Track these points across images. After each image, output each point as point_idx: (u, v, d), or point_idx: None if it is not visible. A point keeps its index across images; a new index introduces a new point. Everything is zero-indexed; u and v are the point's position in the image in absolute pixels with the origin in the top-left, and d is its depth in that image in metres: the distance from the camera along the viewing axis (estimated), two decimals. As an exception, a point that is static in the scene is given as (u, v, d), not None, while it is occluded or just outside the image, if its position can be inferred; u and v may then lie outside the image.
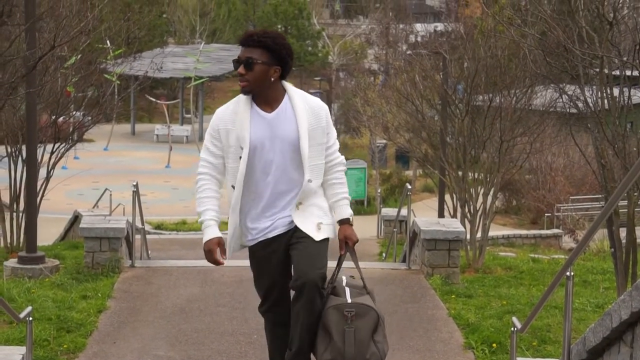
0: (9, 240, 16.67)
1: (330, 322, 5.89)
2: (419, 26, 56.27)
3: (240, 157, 5.96)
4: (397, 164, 46.35)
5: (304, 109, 5.98)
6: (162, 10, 67.34)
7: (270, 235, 6.10)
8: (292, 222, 6.06)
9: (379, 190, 33.16)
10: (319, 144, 6.02)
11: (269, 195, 6.04)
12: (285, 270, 6.16)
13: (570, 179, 34.64)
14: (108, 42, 40.76)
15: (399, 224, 17.16)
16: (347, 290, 6.05)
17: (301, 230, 6.02)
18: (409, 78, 21.39)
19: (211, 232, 5.99)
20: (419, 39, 49.28)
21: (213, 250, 5.96)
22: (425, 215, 18.95)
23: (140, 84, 39.96)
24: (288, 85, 6.06)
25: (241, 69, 5.93)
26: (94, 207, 25.46)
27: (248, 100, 6.01)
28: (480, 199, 16.18)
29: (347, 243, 6.12)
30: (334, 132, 6.16)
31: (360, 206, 37.26)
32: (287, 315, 6.12)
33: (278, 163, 6.00)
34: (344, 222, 6.14)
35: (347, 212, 6.14)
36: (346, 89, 53.90)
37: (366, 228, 25.23)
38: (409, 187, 14.66)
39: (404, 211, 15.89)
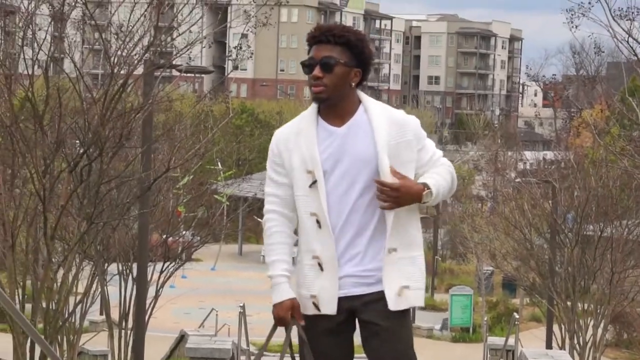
0: (116, 358, 16.83)
1: None
2: (528, 154, 56.07)
3: (313, 184, 4.72)
4: (503, 292, 45.60)
5: (383, 119, 4.76)
6: (272, 134, 68.41)
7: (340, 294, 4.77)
8: (368, 282, 4.76)
9: (485, 318, 32.64)
10: (404, 162, 4.75)
11: (337, 233, 4.75)
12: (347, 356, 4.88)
13: (683, 312, 33.60)
14: (219, 163, 41.63)
15: (506, 353, 16.83)
16: None
17: (376, 299, 4.73)
18: (518, 206, 21.26)
19: (282, 292, 4.77)
20: (528, 166, 49.09)
21: (284, 318, 4.81)
22: (533, 346, 18.56)
23: (249, 205, 40.53)
24: (363, 95, 4.86)
25: (317, 71, 4.72)
26: (200, 327, 25.61)
27: (312, 114, 4.82)
28: (590, 331, 15.85)
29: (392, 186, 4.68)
30: (429, 145, 4.86)
31: (466, 334, 36.68)
32: None
33: (349, 189, 4.74)
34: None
35: (427, 179, 4.75)
36: (453, 214, 53.68)
37: (472, 356, 24.81)
38: (517, 316, 14.44)
39: (511, 340, 15.60)
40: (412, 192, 4.68)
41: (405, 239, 4.78)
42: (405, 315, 4.79)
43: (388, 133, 4.73)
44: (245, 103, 71.30)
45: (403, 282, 4.73)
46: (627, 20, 12.40)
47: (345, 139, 4.74)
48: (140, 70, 11.95)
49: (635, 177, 14.08)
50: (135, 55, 11.43)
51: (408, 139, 4.75)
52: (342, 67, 4.72)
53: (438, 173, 4.79)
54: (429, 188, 4.71)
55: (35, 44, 11.04)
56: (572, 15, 14.24)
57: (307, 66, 4.77)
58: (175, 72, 14.31)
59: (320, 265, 4.75)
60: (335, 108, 4.79)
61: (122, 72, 11.13)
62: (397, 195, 4.66)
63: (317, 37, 4.77)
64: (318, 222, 4.73)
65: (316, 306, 4.78)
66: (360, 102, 4.82)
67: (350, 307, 4.74)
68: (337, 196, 4.72)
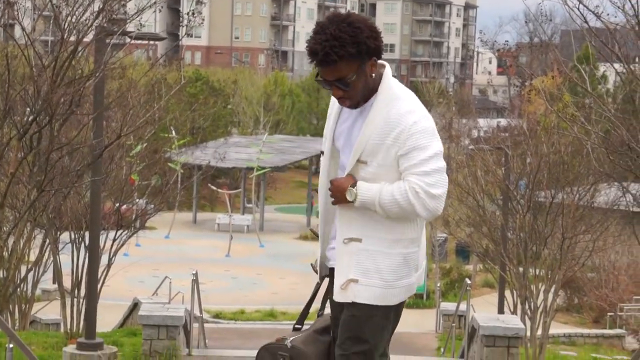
0: (68, 326, 16.77)
1: None
2: (482, 121, 56.43)
3: (322, 153, 4.84)
4: (457, 258, 46.04)
5: (378, 116, 4.59)
6: (227, 102, 68.36)
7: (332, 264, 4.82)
8: None
9: (438, 284, 32.92)
10: (380, 164, 4.59)
11: (335, 208, 4.76)
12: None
13: (634, 278, 34.11)
14: (173, 131, 41.43)
15: (458, 318, 16.99)
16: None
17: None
18: (471, 172, 21.39)
19: None
20: (481, 134, 49.39)
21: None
22: (485, 311, 18.75)
23: (203, 173, 40.40)
24: (384, 82, 4.64)
25: (336, 92, 4.60)
26: (153, 295, 25.57)
27: None
28: (541, 296, 16.02)
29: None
30: (416, 154, 4.54)
31: (420, 300, 37.00)
32: None
33: (348, 170, 4.71)
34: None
35: (369, 184, 4.61)
36: (407, 182, 53.86)
37: (425, 322, 25.00)
38: (469, 282, 14.56)
39: (463, 306, 15.74)
40: (341, 189, 4.62)
41: (376, 232, 4.63)
42: (359, 307, 4.61)
43: (375, 132, 4.59)
44: (200, 71, 70.95)
45: (353, 274, 4.61)
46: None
47: (355, 122, 4.68)
48: (91, 36, 11.83)
49: (585, 144, 14.20)
50: (86, 21, 11.31)
51: (387, 143, 4.56)
52: (357, 78, 4.55)
53: (393, 186, 4.57)
54: (353, 187, 4.59)
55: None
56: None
57: (324, 84, 4.62)
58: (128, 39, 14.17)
59: (315, 231, 4.88)
60: None
61: (72, 38, 11.02)
62: (330, 188, 4.66)
63: (319, 62, 4.51)
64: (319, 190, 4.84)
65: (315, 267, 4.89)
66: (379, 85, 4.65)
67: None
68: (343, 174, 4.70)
